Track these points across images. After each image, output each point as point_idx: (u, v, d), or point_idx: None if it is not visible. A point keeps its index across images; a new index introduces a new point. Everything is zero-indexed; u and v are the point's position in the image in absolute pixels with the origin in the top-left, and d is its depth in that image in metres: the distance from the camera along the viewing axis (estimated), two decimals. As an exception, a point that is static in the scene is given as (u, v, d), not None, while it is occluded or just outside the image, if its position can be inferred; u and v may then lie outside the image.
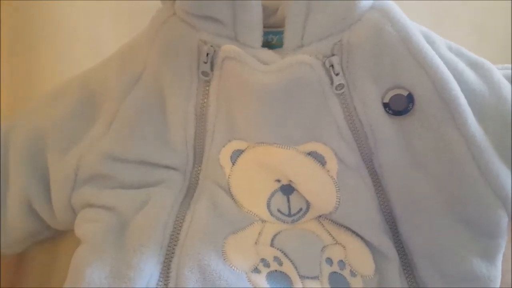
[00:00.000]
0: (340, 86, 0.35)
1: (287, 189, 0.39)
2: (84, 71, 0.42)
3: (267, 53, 0.36)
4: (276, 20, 0.38)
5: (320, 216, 0.39)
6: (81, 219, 0.36)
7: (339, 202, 0.37)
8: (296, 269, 0.35)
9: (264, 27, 0.37)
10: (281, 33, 0.37)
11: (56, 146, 0.38)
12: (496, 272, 0.35)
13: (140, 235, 0.34)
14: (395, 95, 0.35)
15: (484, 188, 0.34)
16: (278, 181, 0.39)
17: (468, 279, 0.35)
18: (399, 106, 0.35)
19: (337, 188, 0.37)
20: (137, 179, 0.38)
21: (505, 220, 0.34)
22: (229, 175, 0.39)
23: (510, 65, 0.40)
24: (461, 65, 0.36)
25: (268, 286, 0.34)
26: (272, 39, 0.38)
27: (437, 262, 0.35)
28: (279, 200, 0.39)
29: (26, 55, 0.52)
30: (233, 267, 0.34)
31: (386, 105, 0.35)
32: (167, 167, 0.39)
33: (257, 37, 0.36)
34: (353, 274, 0.36)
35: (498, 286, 0.35)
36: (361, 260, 0.37)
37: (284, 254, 0.36)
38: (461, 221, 0.35)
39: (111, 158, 0.37)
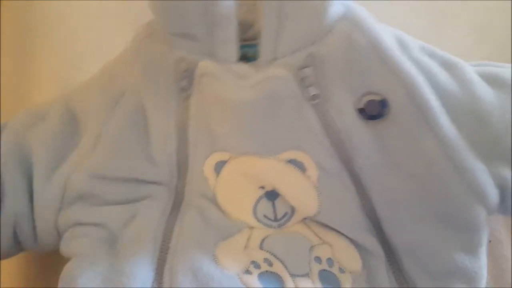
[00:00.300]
0: (314, 96, 0.36)
1: (272, 195, 0.40)
2: (67, 91, 0.43)
3: (243, 68, 0.37)
4: (253, 34, 0.39)
5: (305, 218, 0.40)
6: (69, 237, 0.37)
7: (320, 206, 0.39)
8: (286, 269, 0.37)
9: (241, 40, 0.39)
10: (257, 46, 0.38)
11: (40, 167, 0.38)
12: (481, 264, 0.36)
13: (131, 246, 0.36)
14: (369, 100, 0.36)
15: (460, 186, 0.35)
16: (262, 187, 0.40)
17: (452, 273, 0.36)
18: (374, 111, 0.36)
19: (318, 193, 0.39)
20: (124, 196, 0.39)
21: (483, 214, 0.35)
22: (214, 186, 0.40)
23: (509, 64, 0.40)
24: (434, 67, 0.37)
25: (261, 286, 0.35)
26: (248, 52, 0.39)
27: (420, 258, 0.37)
28: (265, 206, 0.40)
29: (26, 55, 0.52)
30: (225, 270, 0.36)
31: (361, 110, 0.37)
32: (152, 182, 0.40)
33: (233, 52, 0.37)
34: (341, 270, 0.38)
35: (484, 278, 0.36)
36: (348, 257, 0.38)
37: (274, 255, 0.38)
38: (440, 218, 0.36)
39: (98, 177, 0.38)
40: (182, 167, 0.40)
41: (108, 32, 0.54)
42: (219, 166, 0.40)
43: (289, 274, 0.36)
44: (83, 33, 0.53)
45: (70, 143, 0.39)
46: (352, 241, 0.39)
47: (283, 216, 0.40)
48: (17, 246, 0.40)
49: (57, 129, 0.40)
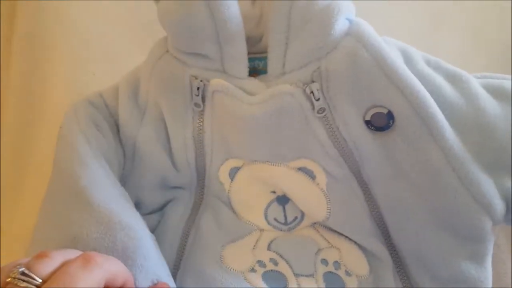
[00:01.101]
0: (321, 110, 0.37)
1: (283, 200, 0.42)
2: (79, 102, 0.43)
3: (253, 83, 0.38)
4: (262, 47, 0.40)
5: (315, 223, 0.43)
6: None
7: (329, 212, 0.40)
8: (291, 268, 0.39)
9: (251, 53, 0.40)
10: (267, 58, 0.39)
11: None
12: (486, 274, 0.37)
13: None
14: (376, 113, 0.37)
15: (466, 198, 0.35)
16: (274, 192, 0.42)
17: (458, 280, 0.36)
18: (380, 123, 0.37)
19: (328, 200, 0.40)
20: (157, 203, 0.43)
21: (489, 225, 0.36)
22: (228, 190, 0.43)
23: (508, 75, 0.40)
24: (439, 80, 0.38)
25: (264, 284, 0.37)
26: (259, 65, 0.40)
27: (427, 265, 0.38)
28: (276, 210, 0.42)
29: (38, 57, 0.54)
30: (230, 268, 0.38)
31: (368, 122, 0.38)
32: (175, 187, 0.43)
33: (243, 68, 0.38)
34: (348, 273, 0.39)
35: (490, 286, 0.37)
36: (355, 262, 0.40)
37: (280, 255, 0.40)
38: (446, 228, 0.37)
39: (140, 189, 0.41)
40: (200, 173, 0.43)
41: (120, 37, 0.55)
42: (233, 172, 0.42)
43: (294, 273, 0.39)
44: (96, 38, 0.55)
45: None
46: (360, 246, 0.41)
47: (293, 220, 0.42)
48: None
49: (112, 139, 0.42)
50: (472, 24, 0.50)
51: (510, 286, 0.41)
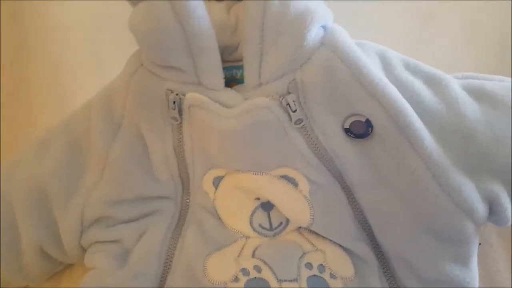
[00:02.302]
0: (299, 120, 0.37)
1: (267, 206, 0.42)
2: (66, 116, 0.44)
3: (229, 95, 0.38)
4: (239, 55, 0.39)
5: (300, 227, 0.43)
6: (90, 253, 0.42)
7: (313, 217, 0.41)
8: (274, 274, 0.39)
9: (228, 61, 0.40)
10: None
11: (57, 199, 0.42)
12: (472, 274, 0.37)
13: (138, 263, 0.40)
14: (355, 121, 0.37)
15: (447, 203, 0.35)
16: (258, 199, 0.42)
17: (445, 281, 0.37)
18: (359, 130, 0.37)
19: (311, 206, 0.41)
20: (135, 213, 0.42)
21: (471, 228, 0.36)
22: (213, 198, 0.43)
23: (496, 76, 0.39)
24: (418, 85, 0.37)
25: None
26: (236, 74, 0.40)
27: (412, 267, 0.38)
28: (261, 216, 0.43)
29: (24, 60, 0.55)
30: (212, 281, 0.39)
31: (347, 130, 0.37)
32: (160, 197, 0.43)
33: (219, 80, 0.38)
34: (333, 276, 0.40)
35: (476, 286, 0.37)
36: (340, 264, 0.40)
37: (264, 262, 0.40)
38: (429, 231, 0.37)
39: (109, 202, 0.41)
40: (185, 183, 0.43)
41: (106, 42, 0.55)
42: (217, 181, 0.42)
43: (277, 279, 0.39)
44: (82, 42, 0.55)
45: (78, 170, 0.42)
46: (344, 248, 0.41)
47: (278, 226, 0.43)
48: (55, 261, 0.44)
49: (63, 159, 0.42)
50: (464, 21, 0.49)
51: (503, 284, 0.41)
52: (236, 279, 0.39)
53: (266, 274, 0.40)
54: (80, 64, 0.56)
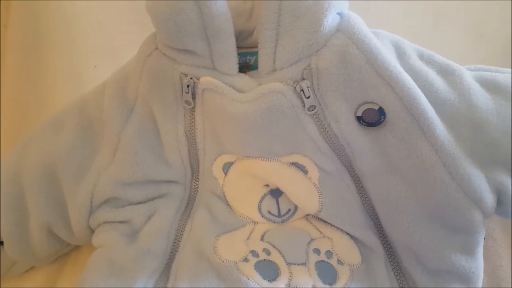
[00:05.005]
0: (312, 107, 0.37)
1: (276, 193, 0.43)
2: (80, 96, 0.45)
3: (244, 80, 0.38)
4: (253, 41, 0.40)
5: (308, 214, 0.43)
6: (99, 232, 0.42)
7: (321, 205, 0.41)
8: (284, 257, 0.40)
9: (242, 47, 0.40)
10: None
11: (67, 178, 0.42)
12: (477, 264, 0.37)
13: (148, 241, 0.40)
14: (367, 109, 0.37)
15: (456, 192, 0.36)
16: (267, 186, 0.43)
17: (450, 272, 0.37)
18: (372, 119, 0.37)
19: (320, 193, 0.41)
20: (144, 196, 0.43)
21: (479, 217, 0.36)
22: (222, 184, 0.43)
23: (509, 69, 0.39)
24: (431, 75, 0.37)
25: (256, 273, 0.38)
26: (250, 60, 0.40)
27: (418, 256, 0.38)
28: (269, 203, 0.43)
29: (38, 50, 0.54)
30: (222, 259, 0.39)
31: (359, 118, 0.38)
32: (169, 181, 0.43)
33: (233, 65, 0.38)
34: (340, 262, 0.40)
35: (481, 278, 0.37)
36: (347, 251, 0.41)
37: (273, 245, 0.41)
38: (437, 220, 0.37)
39: (120, 184, 0.41)
40: (194, 168, 0.44)
41: (119, 30, 0.55)
42: (227, 167, 0.43)
43: (286, 262, 0.40)
44: (96, 30, 0.55)
45: (90, 150, 0.43)
46: (352, 236, 0.41)
47: (287, 212, 0.43)
48: (63, 242, 0.45)
49: (76, 139, 0.43)
50: (473, 17, 0.50)
51: (505, 279, 0.42)
52: (246, 259, 0.39)
53: (275, 257, 0.40)
54: (93, 50, 0.56)
